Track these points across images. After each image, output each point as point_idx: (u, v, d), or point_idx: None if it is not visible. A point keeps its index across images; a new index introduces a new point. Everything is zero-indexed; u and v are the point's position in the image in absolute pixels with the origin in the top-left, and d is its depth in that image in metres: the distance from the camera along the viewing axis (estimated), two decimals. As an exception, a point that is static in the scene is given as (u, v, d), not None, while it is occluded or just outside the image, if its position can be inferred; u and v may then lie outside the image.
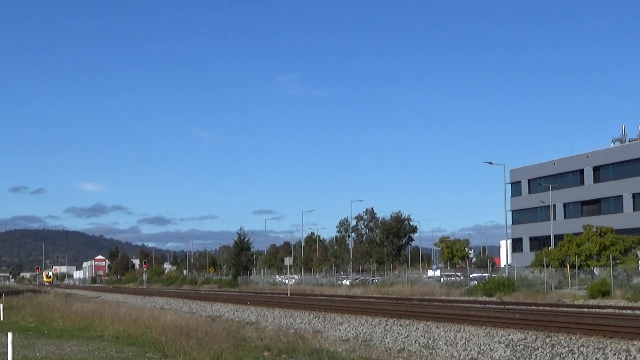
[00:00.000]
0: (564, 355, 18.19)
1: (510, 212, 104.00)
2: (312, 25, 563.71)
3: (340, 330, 27.48)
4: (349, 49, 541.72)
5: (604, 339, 19.42)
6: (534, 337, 20.74)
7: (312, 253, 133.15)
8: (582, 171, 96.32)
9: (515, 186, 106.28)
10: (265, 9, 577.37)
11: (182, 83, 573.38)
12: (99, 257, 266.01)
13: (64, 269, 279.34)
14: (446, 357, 20.15)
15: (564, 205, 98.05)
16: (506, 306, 38.89)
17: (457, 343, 21.56)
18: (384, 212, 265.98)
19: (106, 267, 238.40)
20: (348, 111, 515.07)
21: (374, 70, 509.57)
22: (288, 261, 68.14)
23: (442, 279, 78.83)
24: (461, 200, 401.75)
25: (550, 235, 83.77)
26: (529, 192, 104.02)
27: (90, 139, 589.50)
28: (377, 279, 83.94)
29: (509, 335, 21.54)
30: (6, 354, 15.18)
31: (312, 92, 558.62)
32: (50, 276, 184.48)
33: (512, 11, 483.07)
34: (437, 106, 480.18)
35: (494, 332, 22.32)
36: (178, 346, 19.60)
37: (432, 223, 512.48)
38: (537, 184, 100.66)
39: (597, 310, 33.76)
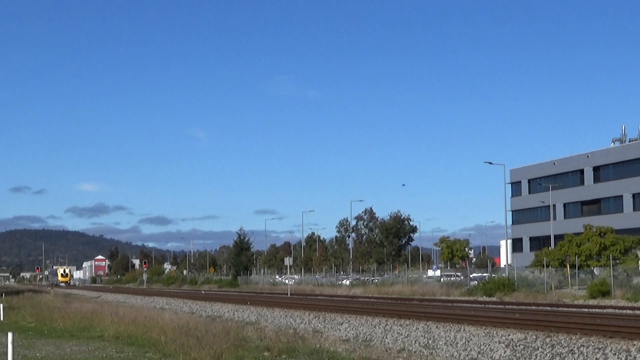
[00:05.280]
0: (564, 355, 18.19)
1: (510, 212, 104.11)
2: (308, 26, 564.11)
3: (340, 330, 27.47)
4: (345, 49, 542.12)
5: (604, 339, 19.41)
6: (534, 337, 20.74)
7: (312, 253, 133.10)
8: (582, 171, 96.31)
9: (515, 186, 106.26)
10: (261, 9, 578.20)
11: (179, 83, 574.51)
12: (99, 257, 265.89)
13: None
14: (446, 357, 20.15)
15: (564, 205, 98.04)
16: (506, 306, 38.89)
17: (457, 343, 21.56)
18: (384, 212, 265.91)
19: (106, 267, 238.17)
20: (346, 111, 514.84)
21: (373, 70, 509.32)
22: (288, 261, 68.16)
23: (442, 279, 78.78)
24: (461, 200, 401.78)
25: (550, 235, 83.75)
26: (529, 192, 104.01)
27: (90, 139, 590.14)
28: (377, 279, 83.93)
29: (509, 335, 21.53)
30: (6, 354, 15.18)
31: (308, 92, 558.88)
32: (66, 274, 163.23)
33: (511, 11, 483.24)
34: (437, 106, 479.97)
35: (494, 332, 22.31)
36: (178, 346, 19.58)
37: (432, 223, 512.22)
38: (537, 184, 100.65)
39: (597, 310, 33.75)
